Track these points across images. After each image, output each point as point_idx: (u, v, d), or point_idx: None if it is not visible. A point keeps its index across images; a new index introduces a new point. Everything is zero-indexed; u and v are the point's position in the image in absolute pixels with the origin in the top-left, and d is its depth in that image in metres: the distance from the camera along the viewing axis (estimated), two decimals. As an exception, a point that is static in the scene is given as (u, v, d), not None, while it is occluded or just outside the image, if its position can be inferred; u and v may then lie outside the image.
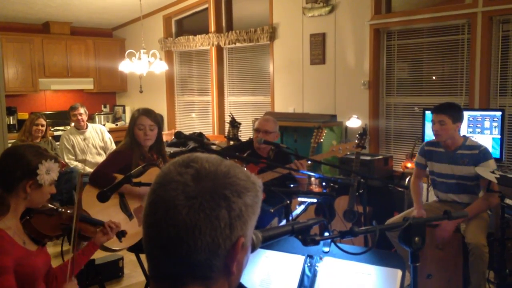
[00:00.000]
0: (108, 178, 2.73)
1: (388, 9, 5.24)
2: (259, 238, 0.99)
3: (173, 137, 6.20)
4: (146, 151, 3.05)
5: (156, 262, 0.83)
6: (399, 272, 1.47)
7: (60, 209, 2.12)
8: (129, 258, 4.31)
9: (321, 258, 1.56)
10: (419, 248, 1.29)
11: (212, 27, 6.90)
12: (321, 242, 1.57)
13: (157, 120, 3.11)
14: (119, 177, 2.52)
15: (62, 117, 7.31)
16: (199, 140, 2.66)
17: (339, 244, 1.55)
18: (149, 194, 0.83)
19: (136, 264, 4.24)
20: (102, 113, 8.20)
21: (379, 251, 1.51)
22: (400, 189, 4.58)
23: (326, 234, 1.36)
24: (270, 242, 1.03)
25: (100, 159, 5.50)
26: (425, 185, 4.27)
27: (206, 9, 6.98)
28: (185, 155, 0.86)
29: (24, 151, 1.90)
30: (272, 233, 1.04)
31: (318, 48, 5.64)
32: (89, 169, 5.24)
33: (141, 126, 3.02)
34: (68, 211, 2.13)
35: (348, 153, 4.94)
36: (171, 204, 0.79)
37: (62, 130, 6.75)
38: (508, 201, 2.99)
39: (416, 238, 1.28)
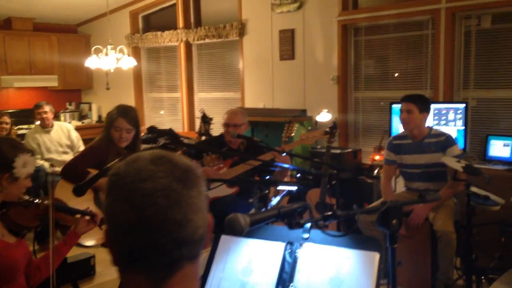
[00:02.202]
0: (82, 173, 2.69)
1: (355, 5, 5.34)
2: (247, 222, 1.01)
3: (143, 133, 6.14)
4: (122, 149, 3.00)
5: (157, 253, 0.82)
6: (376, 255, 1.51)
7: (36, 201, 2.10)
8: (100, 257, 4.25)
9: (301, 245, 1.59)
10: (396, 230, 1.34)
11: (180, 23, 6.85)
12: (301, 230, 1.61)
13: (135, 121, 3.04)
14: (94, 172, 2.48)
15: (26, 116, 7.10)
16: (174, 135, 2.65)
17: (317, 231, 1.59)
18: (127, 192, 0.82)
19: (108, 262, 4.19)
20: (67, 111, 8.02)
21: (357, 235, 1.55)
22: (369, 181, 4.69)
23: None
24: (257, 225, 1.05)
25: (67, 157, 5.39)
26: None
27: (174, 4, 6.92)
28: (138, 155, 0.88)
29: None
30: (259, 216, 1.07)
31: (287, 44, 5.69)
32: (57, 168, 5.13)
33: (117, 128, 2.97)
34: (45, 202, 2.10)
35: (318, 146, 5.03)
36: (170, 189, 0.82)
37: (26, 129, 6.56)
38: (473, 189, 3.10)
39: (394, 221, 1.33)
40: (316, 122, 5.40)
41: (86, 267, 4.04)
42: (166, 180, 0.82)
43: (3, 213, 1.94)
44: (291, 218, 1.11)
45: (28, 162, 1.88)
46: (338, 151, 4.97)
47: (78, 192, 2.14)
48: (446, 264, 3.29)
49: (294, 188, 1.96)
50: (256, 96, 6.11)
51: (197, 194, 0.85)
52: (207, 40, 6.56)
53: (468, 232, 3.15)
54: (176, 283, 0.83)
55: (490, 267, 3.44)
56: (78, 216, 2.23)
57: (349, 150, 5.10)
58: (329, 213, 1.21)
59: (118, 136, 2.95)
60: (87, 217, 2.21)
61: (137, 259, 0.83)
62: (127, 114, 2.97)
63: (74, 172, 2.74)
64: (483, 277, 3.36)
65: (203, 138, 5.18)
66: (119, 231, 0.83)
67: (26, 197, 2.08)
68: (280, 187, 2.05)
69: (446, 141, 3.41)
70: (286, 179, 4.35)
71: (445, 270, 3.31)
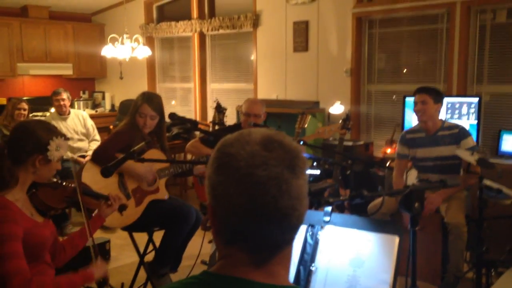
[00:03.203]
0: (110, 156, 2.75)
1: (370, -2, 5.35)
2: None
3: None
4: (146, 135, 3.07)
5: (262, 237, 0.86)
6: (396, 239, 1.57)
7: (63, 183, 2.17)
8: (114, 242, 4.34)
9: (322, 227, 1.64)
10: (418, 213, 1.39)
11: (195, 14, 6.89)
12: (322, 213, 1.66)
13: (160, 109, 3.10)
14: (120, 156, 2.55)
15: (41, 103, 7.19)
16: (194, 122, 2.71)
17: (338, 214, 1.65)
18: (240, 176, 0.84)
19: (122, 247, 4.30)
20: (81, 99, 8.11)
21: (378, 219, 1.60)
22: (380, 173, 4.72)
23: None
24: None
25: (82, 144, 5.49)
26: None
27: (188, -5, 6.96)
28: (249, 135, 0.88)
29: (34, 126, 1.95)
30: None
31: (301, 35, 5.72)
32: (71, 155, 5.22)
33: (142, 114, 3.04)
34: (71, 185, 2.18)
35: (331, 138, 5.06)
36: (281, 179, 0.84)
37: (41, 116, 6.65)
38: (486, 182, 3.12)
39: (416, 204, 1.38)
40: (329, 114, 5.44)
41: (101, 252, 4.12)
42: (278, 169, 0.84)
43: (32, 193, 2.02)
44: (320, 196, 1.17)
45: (61, 146, 1.95)
46: (350, 143, 5.01)
47: (106, 173, 2.21)
48: (456, 256, 3.31)
49: (317, 172, 2.02)
50: (269, 87, 6.15)
51: (303, 182, 0.88)
52: (221, 31, 6.60)
53: (479, 225, 3.19)
54: (275, 264, 0.88)
55: (500, 260, 3.47)
56: (102, 201, 2.31)
57: (361, 142, 5.14)
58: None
59: (143, 122, 3.02)
60: (109, 202, 2.29)
61: (242, 239, 0.87)
62: (152, 101, 3.04)
63: (102, 156, 2.80)
64: (492, 270, 3.39)
65: (217, 127, 5.24)
66: (228, 211, 0.86)
67: (54, 180, 2.15)
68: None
69: (460, 133, 3.44)
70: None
71: (456, 263, 3.33)
